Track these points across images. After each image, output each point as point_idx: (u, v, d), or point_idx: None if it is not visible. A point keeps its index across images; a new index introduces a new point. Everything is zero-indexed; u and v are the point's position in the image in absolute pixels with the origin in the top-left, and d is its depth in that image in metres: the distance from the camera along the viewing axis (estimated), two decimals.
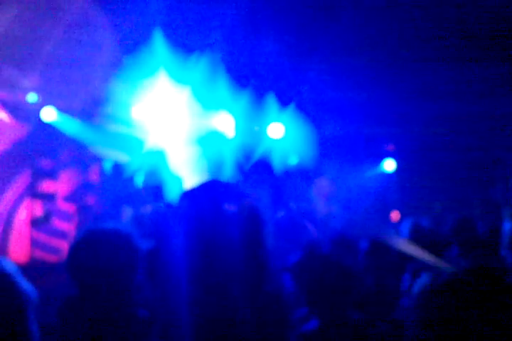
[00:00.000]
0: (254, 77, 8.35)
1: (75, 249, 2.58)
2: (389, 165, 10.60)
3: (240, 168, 10.16)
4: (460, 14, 7.14)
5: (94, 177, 9.07)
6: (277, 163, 10.26)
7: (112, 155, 8.79)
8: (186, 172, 9.35)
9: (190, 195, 2.14)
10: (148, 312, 2.53)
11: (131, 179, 9.21)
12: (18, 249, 7.92)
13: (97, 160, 8.88)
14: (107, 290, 2.49)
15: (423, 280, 1.98)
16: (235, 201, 2.10)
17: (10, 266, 2.36)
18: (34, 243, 8.17)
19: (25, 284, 2.34)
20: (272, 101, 9.32)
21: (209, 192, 2.10)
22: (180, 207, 2.09)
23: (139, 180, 8.92)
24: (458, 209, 8.49)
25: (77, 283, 2.54)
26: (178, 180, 9.43)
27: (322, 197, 10.40)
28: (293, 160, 10.29)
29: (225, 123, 9.26)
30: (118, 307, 2.49)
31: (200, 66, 7.79)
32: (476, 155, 10.03)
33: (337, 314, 2.98)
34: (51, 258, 8.14)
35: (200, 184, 2.31)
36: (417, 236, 4.78)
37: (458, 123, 9.63)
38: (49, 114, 8.26)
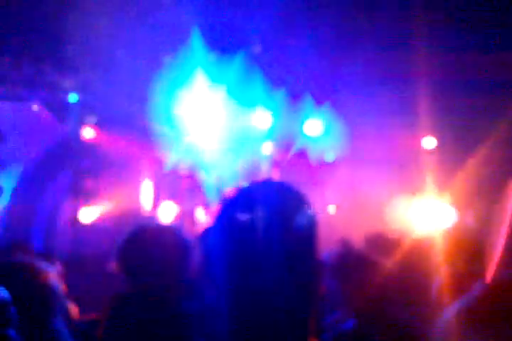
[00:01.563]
0: (290, 75, 8.38)
1: (127, 245, 2.63)
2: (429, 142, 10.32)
3: (276, 164, 10.22)
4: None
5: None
6: (315, 160, 10.28)
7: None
8: (226, 171, 9.47)
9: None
10: (199, 305, 2.52)
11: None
12: (61, 247, 8.09)
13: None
14: (158, 286, 2.53)
15: None
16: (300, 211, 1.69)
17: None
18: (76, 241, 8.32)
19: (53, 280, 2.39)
20: (308, 99, 9.33)
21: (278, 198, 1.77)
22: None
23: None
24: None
25: (128, 280, 2.58)
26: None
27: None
28: (330, 157, 10.30)
29: (263, 120, 9.32)
30: (169, 304, 2.51)
31: (236, 65, 7.86)
32: None
33: (375, 313, 2.98)
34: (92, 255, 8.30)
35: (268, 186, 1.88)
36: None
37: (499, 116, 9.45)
38: (88, 133, 8.44)
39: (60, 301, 2.50)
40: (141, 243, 2.62)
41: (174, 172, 9.45)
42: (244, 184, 1.73)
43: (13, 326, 1.99)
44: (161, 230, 2.70)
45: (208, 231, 1.74)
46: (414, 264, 4.60)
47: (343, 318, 3.05)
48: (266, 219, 1.62)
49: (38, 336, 2.27)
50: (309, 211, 1.70)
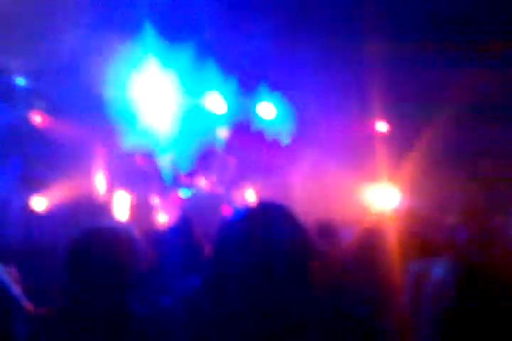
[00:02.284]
0: (243, 60, 8.36)
1: (75, 246, 2.59)
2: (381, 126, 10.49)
3: (232, 148, 10.22)
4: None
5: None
6: (270, 143, 10.32)
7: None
8: (181, 155, 9.42)
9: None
10: (147, 309, 2.55)
11: None
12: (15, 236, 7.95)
13: None
14: (105, 286, 2.51)
15: None
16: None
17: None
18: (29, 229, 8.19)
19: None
20: (261, 84, 9.35)
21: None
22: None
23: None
24: None
25: (74, 279, 2.57)
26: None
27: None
28: (285, 140, 10.34)
29: (217, 104, 9.30)
30: (116, 304, 2.50)
31: (189, 51, 7.81)
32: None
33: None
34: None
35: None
36: None
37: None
38: (38, 119, 8.27)
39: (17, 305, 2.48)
40: (89, 244, 2.58)
41: (129, 157, 9.35)
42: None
43: None
44: (109, 231, 2.68)
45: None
46: (366, 252, 4.67)
47: None
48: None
49: None
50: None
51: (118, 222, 2.75)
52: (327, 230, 5.66)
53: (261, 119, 10.02)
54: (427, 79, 8.99)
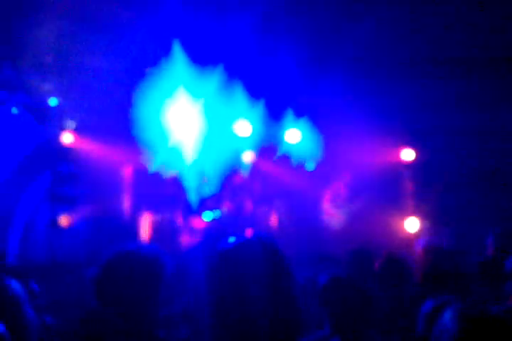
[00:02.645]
0: (270, 87, 8.47)
1: (105, 267, 2.67)
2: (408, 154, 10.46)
3: (257, 172, 10.27)
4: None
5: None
6: (295, 168, 10.36)
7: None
8: (207, 178, 9.49)
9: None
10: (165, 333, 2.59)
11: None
12: (37, 253, 8.04)
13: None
14: (130, 307, 2.57)
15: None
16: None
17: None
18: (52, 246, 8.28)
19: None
20: (287, 110, 9.44)
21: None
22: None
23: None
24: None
25: (101, 299, 2.62)
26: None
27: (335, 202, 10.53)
28: (310, 166, 10.37)
29: (244, 129, 9.39)
30: (137, 325, 2.55)
31: (216, 76, 7.93)
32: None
33: (358, 334, 3.09)
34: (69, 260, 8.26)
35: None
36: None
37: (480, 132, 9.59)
38: (68, 138, 8.42)
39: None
40: (119, 266, 2.66)
41: (156, 178, 9.45)
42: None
43: None
44: (140, 254, 2.71)
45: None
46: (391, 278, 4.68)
47: (328, 336, 3.15)
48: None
49: None
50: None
51: (149, 245, 2.81)
52: (362, 257, 5.64)
53: (287, 144, 10.08)
54: (454, 106, 9.00)
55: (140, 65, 7.47)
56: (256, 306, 1.83)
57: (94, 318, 2.64)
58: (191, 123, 8.58)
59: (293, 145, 10.12)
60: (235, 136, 9.52)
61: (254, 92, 8.53)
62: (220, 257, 1.99)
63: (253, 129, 9.50)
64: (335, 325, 3.19)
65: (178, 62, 7.52)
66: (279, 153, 10.16)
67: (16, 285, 2.54)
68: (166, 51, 7.34)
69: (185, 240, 9.58)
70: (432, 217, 9.76)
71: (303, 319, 1.96)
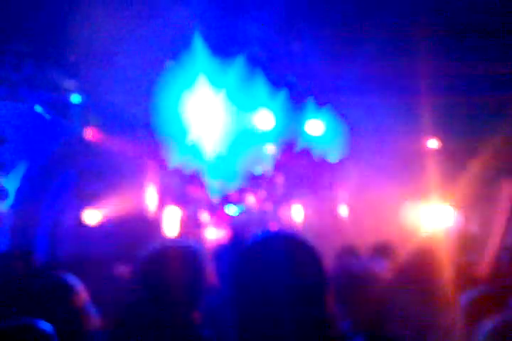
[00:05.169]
0: (292, 76, 8.43)
1: (150, 261, 2.66)
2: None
3: (279, 165, 10.23)
4: None
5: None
6: (318, 160, 10.31)
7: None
8: (229, 172, 9.48)
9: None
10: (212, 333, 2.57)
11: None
12: (67, 250, 8.07)
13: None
14: (171, 303, 2.56)
15: None
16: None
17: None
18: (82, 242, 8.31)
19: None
20: (309, 100, 9.37)
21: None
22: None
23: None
24: None
25: (144, 293, 2.62)
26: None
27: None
28: (333, 158, 10.32)
29: (265, 121, 9.34)
30: (178, 321, 2.55)
31: (238, 67, 7.91)
32: None
33: (380, 331, 3.04)
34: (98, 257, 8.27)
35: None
36: None
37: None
38: (91, 134, 8.45)
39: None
40: (163, 262, 2.65)
41: (179, 174, 9.45)
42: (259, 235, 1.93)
43: None
44: (184, 250, 2.72)
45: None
46: (416, 274, 4.61)
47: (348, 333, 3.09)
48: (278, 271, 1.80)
49: None
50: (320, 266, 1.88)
51: (189, 240, 2.81)
52: (384, 251, 5.60)
53: (309, 136, 10.02)
54: (479, 95, 8.91)
55: (162, 58, 7.45)
56: (281, 305, 1.76)
57: (133, 313, 2.65)
58: (213, 114, 8.56)
59: (316, 137, 10.07)
60: (258, 128, 9.48)
61: (275, 83, 8.48)
62: (245, 253, 1.90)
63: (275, 121, 9.45)
64: (356, 323, 3.12)
65: (199, 53, 7.50)
66: (301, 145, 10.11)
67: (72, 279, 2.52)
68: (187, 43, 7.33)
69: (210, 235, 9.57)
70: (459, 206, 9.67)
71: (329, 318, 1.85)
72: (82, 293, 2.74)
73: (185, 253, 2.70)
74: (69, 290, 2.61)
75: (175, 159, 9.06)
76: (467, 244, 5.05)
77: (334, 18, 7.18)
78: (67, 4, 7.02)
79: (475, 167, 9.00)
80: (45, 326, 2.14)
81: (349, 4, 6.80)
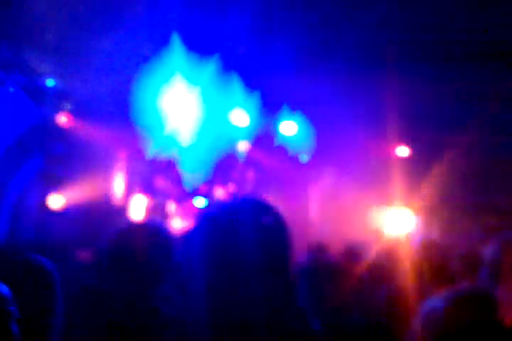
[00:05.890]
0: (266, 80, 8.51)
1: (112, 241, 2.70)
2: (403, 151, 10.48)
3: (252, 162, 10.29)
4: None
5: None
6: (290, 159, 10.39)
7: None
8: (201, 165, 9.52)
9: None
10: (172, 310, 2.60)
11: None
12: (27, 233, 8.06)
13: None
14: (136, 281, 2.59)
15: None
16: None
17: None
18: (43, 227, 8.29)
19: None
20: (283, 103, 9.48)
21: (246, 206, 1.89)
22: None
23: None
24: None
25: (108, 273, 2.65)
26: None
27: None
28: (304, 158, 10.41)
29: (240, 119, 9.40)
30: (142, 300, 2.57)
31: (214, 65, 7.96)
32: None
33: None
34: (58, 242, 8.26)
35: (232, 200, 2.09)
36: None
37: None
38: (63, 119, 8.42)
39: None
40: (129, 240, 2.67)
41: (151, 163, 9.46)
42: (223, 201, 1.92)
43: (14, 321, 1.95)
44: (149, 228, 2.77)
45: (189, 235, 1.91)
46: (381, 271, 4.72)
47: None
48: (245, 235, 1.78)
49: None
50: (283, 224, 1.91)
51: (155, 220, 2.87)
52: (352, 251, 5.74)
53: (282, 136, 10.10)
54: (448, 103, 9.04)
55: (139, 50, 7.45)
56: (250, 269, 1.75)
57: (94, 293, 2.67)
58: (187, 109, 8.59)
59: (288, 137, 10.14)
60: (231, 124, 9.52)
61: (250, 83, 8.55)
62: (213, 218, 1.87)
63: (249, 119, 9.51)
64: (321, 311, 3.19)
65: (176, 51, 7.52)
66: (274, 144, 10.18)
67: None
68: (165, 40, 7.34)
69: (176, 225, 9.61)
70: (423, 212, 9.83)
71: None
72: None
73: (152, 228, 2.75)
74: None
75: (149, 149, 9.07)
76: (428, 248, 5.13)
77: (308, 22, 7.23)
78: None
79: (439, 174, 9.15)
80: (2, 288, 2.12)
81: (325, 9, 6.85)
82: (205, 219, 1.88)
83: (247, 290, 1.73)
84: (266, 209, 1.90)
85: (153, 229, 2.77)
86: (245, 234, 1.78)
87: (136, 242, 2.65)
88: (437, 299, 2.20)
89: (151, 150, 9.04)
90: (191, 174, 9.65)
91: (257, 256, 1.76)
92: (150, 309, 2.54)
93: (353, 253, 5.74)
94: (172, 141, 9.03)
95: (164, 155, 9.26)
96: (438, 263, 4.41)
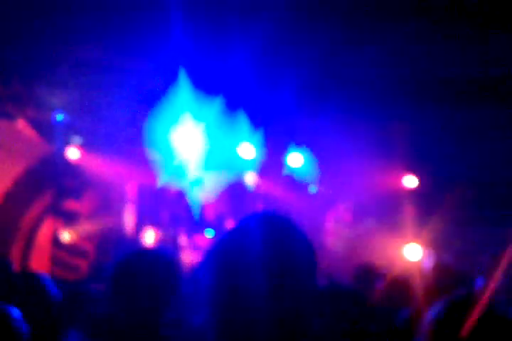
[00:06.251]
0: (271, 116, 8.62)
1: (118, 268, 2.67)
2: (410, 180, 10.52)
3: (259, 194, 10.30)
4: None
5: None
6: (298, 190, 10.40)
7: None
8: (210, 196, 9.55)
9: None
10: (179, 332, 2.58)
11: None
12: (39, 267, 8.05)
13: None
14: (144, 308, 2.57)
15: None
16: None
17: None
18: (54, 261, 8.28)
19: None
20: (288, 139, 9.58)
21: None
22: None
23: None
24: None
25: (115, 300, 2.63)
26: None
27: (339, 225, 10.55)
28: (313, 189, 10.40)
29: (247, 151, 9.46)
30: (150, 327, 2.56)
31: (218, 105, 8.08)
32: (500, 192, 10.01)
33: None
34: (70, 276, 8.26)
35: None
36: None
37: (480, 160, 9.64)
38: (73, 154, 8.50)
39: None
40: (134, 264, 2.66)
41: (160, 195, 9.48)
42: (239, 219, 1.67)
43: None
44: (154, 253, 2.78)
45: (201, 264, 1.77)
46: (394, 300, 4.71)
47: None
48: (261, 252, 1.57)
49: None
50: (306, 241, 1.64)
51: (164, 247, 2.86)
52: (367, 275, 5.72)
53: (289, 167, 10.14)
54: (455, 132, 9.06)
55: (148, 87, 7.55)
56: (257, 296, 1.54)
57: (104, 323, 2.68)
58: (195, 143, 8.67)
59: (296, 168, 10.16)
60: (239, 157, 9.58)
61: (255, 120, 8.67)
62: (223, 239, 1.64)
63: (256, 152, 9.56)
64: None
65: (183, 87, 7.63)
66: (281, 175, 10.19)
67: None
68: (172, 77, 7.44)
69: (187, 258, 9.59)
70: (434, 245, 9.76)
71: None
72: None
73: (160, 255, 2.74)
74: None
75: (158, 181, 9.11)
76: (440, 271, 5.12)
77: (311, 60, 7.31)
78: (56, 23, 7.06)
79: (449, 207, 9.11)
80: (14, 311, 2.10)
81: (326, 48, 6.94)
82: (214, 245, 1.66)
83: (257, 314, 1.56)
84: (280, 221, 1.65)
85: (160, 254, 2.77)
86: (256, 255, 1.56)
87: (141, 266, 2.64)
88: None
89: (161, 183, 9.08)
90: (201, 206, 9.67)
91: (271, 281, 1.55)
92: (159, 337, 2.54)
93: (367, 278, 5.72)
94: (181, 173, 9.08)
95: (173, 187, 9.29)
96: (450, 285, 4.40)
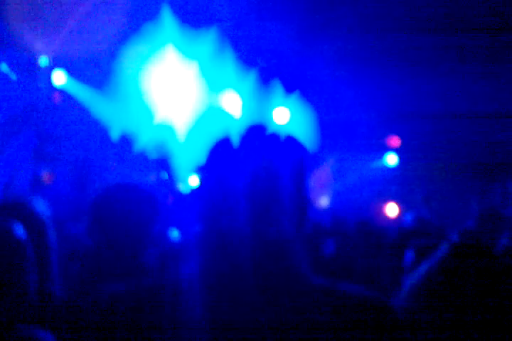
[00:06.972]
0: (261, 58, 8.44)
1: (99, 200, 2.74)
2: (391, 159, 10.66)
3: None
4: None
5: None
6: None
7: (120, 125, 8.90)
8: (190, 146, 9.46)
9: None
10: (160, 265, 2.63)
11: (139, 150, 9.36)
12: None
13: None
14: (125, 240, 2.62)
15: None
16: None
17: None
18: None
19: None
20: (277, 85, 9.39)
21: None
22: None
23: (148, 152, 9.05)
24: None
25: (96, 234, 2.69)
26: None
27: (319, 187, 10.56)
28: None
29: (232, 102, 9.33)
30: (131, 258, 2.61)
31: (207, 42, 7.87)
32: (481, 154, 10.10)
33: None
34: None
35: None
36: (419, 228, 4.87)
37: (465, 121, 9.71)
38: (59, 78, 8.43)
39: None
40: (112, 199, 2.71)
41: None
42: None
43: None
44: (133, 188, 2.80)
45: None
46: None
47: None
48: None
49: None
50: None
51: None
52: (364, 226, 5.83)
53: (275, 124, 10.10)
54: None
55: (130, 23, 7.48)
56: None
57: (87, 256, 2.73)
58: (181, 90, 8.53)
59: (281, 125, 10.14)
60: (224, 110, 9.47)
61: (245, 62, 8.42)
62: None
63: (243, 104, 9.44)
64: None
65: (168, 23, 7.48)
66: (268, 131, 10.17)
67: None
68: (155, 12, 7.35)
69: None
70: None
71: None
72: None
73: (139, 188, 2.79)
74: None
75: (141, 133, 9.01)
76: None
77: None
78: None
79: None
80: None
81: None
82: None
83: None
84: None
85: (139, 187, 2.81)
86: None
87: (122, 198, 2.69)
88: None
89: (144, 135, 8.99)
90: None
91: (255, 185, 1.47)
92: (141, 268, 2.58)
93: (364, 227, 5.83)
94: (165, 125, 8.96)
95: (156, 140, 9.18)
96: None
